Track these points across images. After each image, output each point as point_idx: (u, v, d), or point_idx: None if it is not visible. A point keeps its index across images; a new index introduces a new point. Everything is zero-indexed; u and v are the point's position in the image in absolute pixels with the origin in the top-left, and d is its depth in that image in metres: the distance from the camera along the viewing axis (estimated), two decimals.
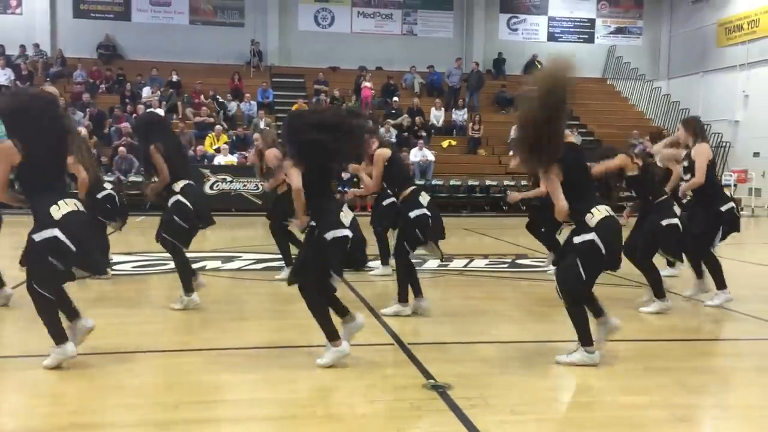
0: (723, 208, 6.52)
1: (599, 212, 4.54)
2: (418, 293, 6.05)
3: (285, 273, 7.18)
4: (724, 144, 22.34)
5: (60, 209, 4.31)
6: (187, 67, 22.59)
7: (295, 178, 4.49)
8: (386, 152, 6.06)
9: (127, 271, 8.24)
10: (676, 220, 6.35)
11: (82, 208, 4.50)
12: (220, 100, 21.01)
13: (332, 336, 4.55)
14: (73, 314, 4.64)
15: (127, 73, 22.04)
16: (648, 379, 4.46)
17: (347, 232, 4.51)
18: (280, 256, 7.77)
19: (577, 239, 4.58)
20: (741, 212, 20.06)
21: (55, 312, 4.47)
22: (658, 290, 6.31)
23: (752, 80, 22.51)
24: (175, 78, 21.86)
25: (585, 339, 4.62)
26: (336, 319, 4.66)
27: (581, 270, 4.51)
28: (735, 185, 20.39)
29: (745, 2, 23.10)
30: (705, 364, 4.97)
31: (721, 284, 6.63)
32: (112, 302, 6.06)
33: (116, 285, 7.32)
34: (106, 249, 6.96)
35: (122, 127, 18.21)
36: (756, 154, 21.66)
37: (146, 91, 20.92)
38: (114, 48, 23.48)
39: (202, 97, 20.97)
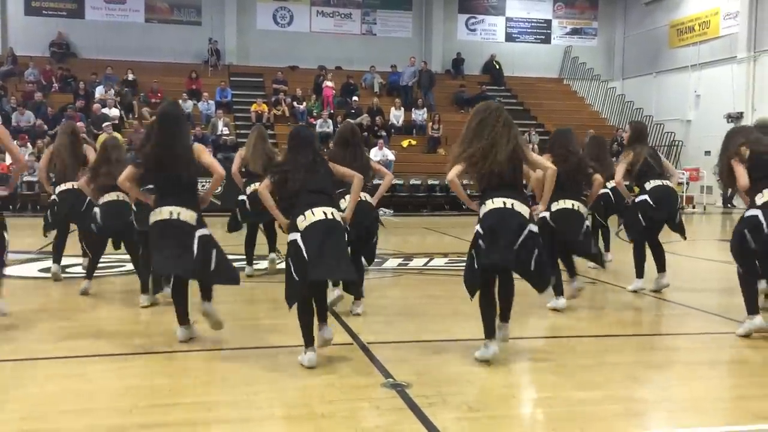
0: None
1: (492, 204, 4.59)
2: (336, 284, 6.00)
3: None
4: (676, 143, 22.87)
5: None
6: (143, 66, 22.23)
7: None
8: None
9: (77, 274, 8.07)
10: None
11: None
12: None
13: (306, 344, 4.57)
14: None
15: (81, 71, 21.58)
16: (602, 374, 4.53)
17: (295, 236, 4.50)
18: (241, 256, 7.75)
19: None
20: (693, 209, 20.54)
21: None
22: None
23: (703, 80, 23.07)
24: (130, 77, 21.49)
25: (486, 331, 4.69)
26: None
27: (473, 259, 4.62)
28: (687, 183, 20.88)
29: (696, 4, 23.67)
30: (657, 358, 5.07)
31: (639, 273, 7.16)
32: (65, 305, 5.94)
33: (69, 287, 7.17)
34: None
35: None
36: (707, 153, 22.18)
37: (99, 91, 20.51)
38: (67, 46, 23.00)
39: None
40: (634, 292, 7.11)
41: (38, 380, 4.30)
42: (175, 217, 4.91)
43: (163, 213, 4.94)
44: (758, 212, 5.23)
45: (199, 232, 4.96)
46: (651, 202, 6.86)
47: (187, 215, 4.96)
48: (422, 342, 5.20)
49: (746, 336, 5.35)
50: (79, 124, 18.04)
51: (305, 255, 4.42)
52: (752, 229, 5.27)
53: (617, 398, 4.07)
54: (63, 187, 7.39)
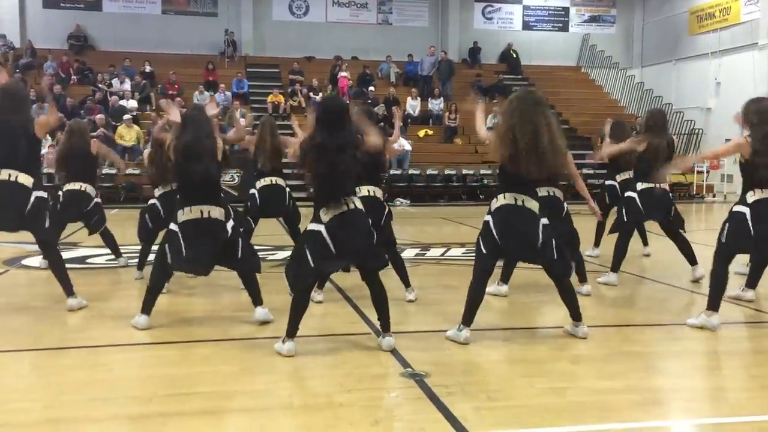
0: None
1: (502, 199, 4.80)
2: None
3: None
4: (696, 131, 22.60)
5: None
6: (160, 58, 22.32)
7: None
8: None
9: (99, 265, 8.15)
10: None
11: None
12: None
13: (290, 333, 4.57)
14: None
15: (99, 63, 21.71)
16: (621, 363, 4.51)
17: (319, 228, 4.50)
18: (266, 246, 7.81)
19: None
20: (713, 198, 20.29)
21: None
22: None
23: (723, 68, 22.75)
24: (148, 68, 21.58)
25: (465, 317, 4.88)
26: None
27: (482, 246, 4.82)
28: (708, 172, 20.64)
29: None
30: (677, 348, 5.02)
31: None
32: (84, 296, 5.99)
33: (88, 278, 7.23)
34: None
35: (96, 119, 17.95)
36: (728, 141, 21.90)
37: (116, 83, 20.62)
38: (85, 38, 23.13)
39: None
40: (604, 284, 6.87)
41: (59, 369, 4.35)
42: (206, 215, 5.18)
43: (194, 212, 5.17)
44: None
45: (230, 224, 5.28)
46: (639, 204, 6.70)
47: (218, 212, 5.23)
48: (440, 332, 5.19)
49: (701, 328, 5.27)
50: (99, 116, 18.24)
51: (332, 248, 4.47)
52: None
53: (637, 388, 4.04)
54: (69, 187, 7.35)
